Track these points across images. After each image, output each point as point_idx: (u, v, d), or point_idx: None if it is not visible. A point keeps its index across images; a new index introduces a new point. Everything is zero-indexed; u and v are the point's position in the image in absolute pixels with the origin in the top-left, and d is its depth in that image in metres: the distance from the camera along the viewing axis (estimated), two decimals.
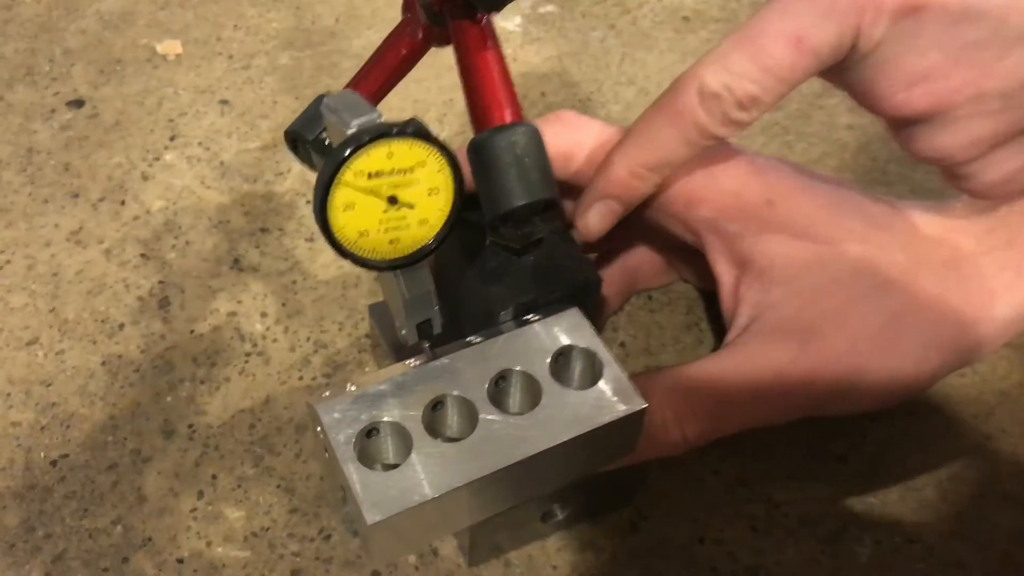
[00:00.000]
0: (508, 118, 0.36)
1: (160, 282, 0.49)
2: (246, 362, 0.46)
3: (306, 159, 0.38)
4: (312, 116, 0.38)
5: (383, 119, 0.31)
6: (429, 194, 0.32)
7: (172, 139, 0.56)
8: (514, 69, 0.59)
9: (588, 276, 0.38)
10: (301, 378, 0.45)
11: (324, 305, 0.48)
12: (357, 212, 0.31)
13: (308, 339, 0.46)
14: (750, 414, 0.38)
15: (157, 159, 0.55)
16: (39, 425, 0.43)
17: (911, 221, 0.39)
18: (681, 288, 0.49)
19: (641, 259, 0.48)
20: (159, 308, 0.48)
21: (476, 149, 0.36)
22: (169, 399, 0.44)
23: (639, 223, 0.46)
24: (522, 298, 0.37)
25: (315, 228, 0.50)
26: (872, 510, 0.41)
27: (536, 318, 0.36)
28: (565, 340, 0.35)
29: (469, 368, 0.34)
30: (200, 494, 0.41)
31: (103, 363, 0.46)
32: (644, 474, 0.41)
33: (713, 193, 0.40)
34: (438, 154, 0.31)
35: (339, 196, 0.30)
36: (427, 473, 0.31)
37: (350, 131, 0.30)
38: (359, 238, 0.31)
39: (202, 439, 0.43)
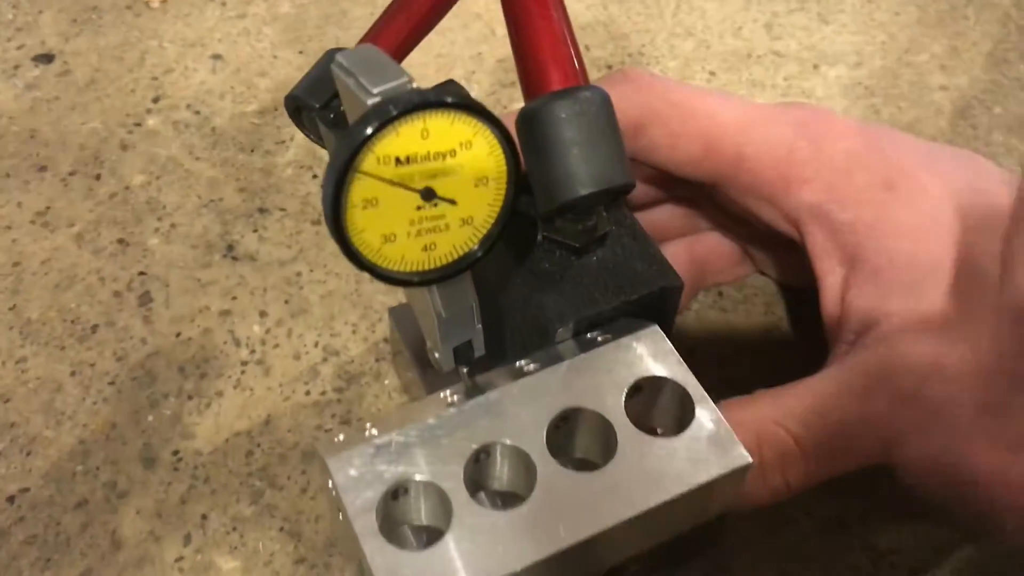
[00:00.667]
0: (571, 80, 0.28)
1: (140, 273, 0.41)
2: (242, 373, 0.38)
3: (312, 131, 0.30)
4: (319, 78, 0.30)
5: (413, 84, 0.23)
6: (475, 185, 0.24)
7: (156, 101, 0.48)
8: None
9: (668, 282, 0.30)
10: (308, 393, 0.38)
11: (334, 302, 0.40)
12: (382, 210, 0.23)
13: (316, 344, 0.39)
14: (869, 450, 0.30)
15: (138, 125, 0.47)
16: None
17: None
18: (758, 282, 0.41)
19: (711, 248, 0.40)
20: (139, 305, 0.40)
21: (529, 120, 0.28)
22: (150, 419, 0.37)
23: (712, 205, 0.38)
24: (584, 311, 0.29)
25: (320, 209, 0.43)
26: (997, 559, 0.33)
27: (603, 337, 0.29)
28: (645, 369, 0.28)
29: (522, 407, 0.27)
30: (187, 539, 0.34)
31: (72, 373, 0.38)
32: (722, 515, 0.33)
33: (820, 172, 0.32)
34: (489, 131, 0.23)
35: (358, 189, 0.22)
36: (470, 556, 0.24)
37: (372, 101, 0.22)
38: (383, 244, 0.24)
39: (190, 469, 0.36)
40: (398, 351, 0.37)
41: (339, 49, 0.30)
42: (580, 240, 0.30)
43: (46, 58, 0.49)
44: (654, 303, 0.30)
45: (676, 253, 0.39)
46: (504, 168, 0.24)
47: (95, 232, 0.42)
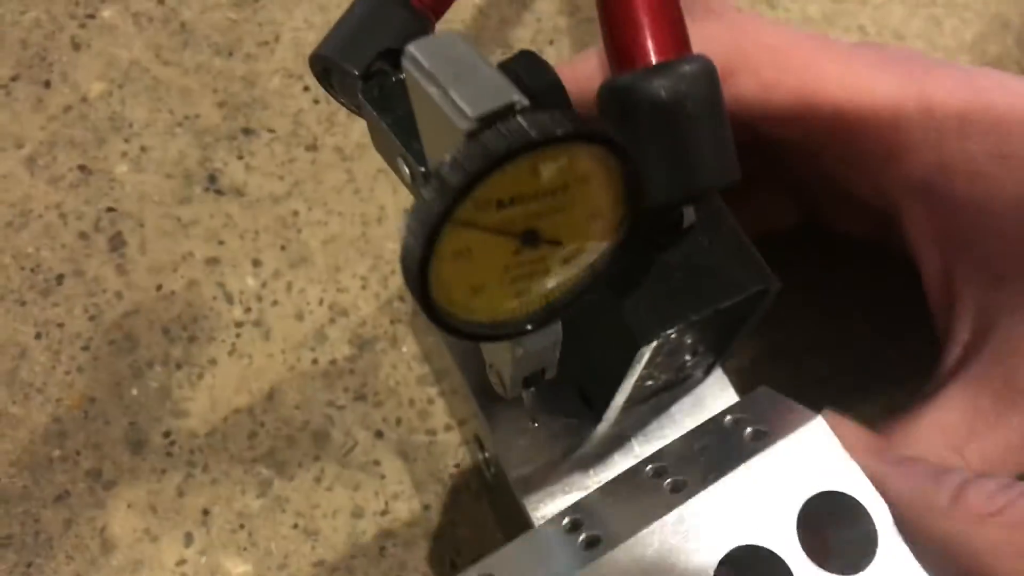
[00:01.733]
0: (672, 51, 0.23)
1: (109, 210, 0.35)
2: (237, 336, 0.33)
3: (348, 98, 0.25)
4: (356, 32, 0.24)
5: (524, 103, 0.17)
6: (587, 222, 0.19)
7: None
8: None
9: (764, 284, 0.26)
10: (315, 361, 0.33)
11: (339, 249, 0.35)
12: (475, 260, 0.18)
13: (321, 302, 0.34)
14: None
15: (91, 16, 0.39)
16: None
17: None
18: (814, 235, 0.37)
19: (764, 192, 0.36)
20: (110, 251, 0.34)
21: (616, 98, 0.23)
22: (135, 392, 0.32)
23: (792, 164, 0.34)
24: (671, 324, 0.25)
25: (316, 131, 0.37)
26: None
27: (750, 431, 0.24)
28: (814, 482, 0.23)
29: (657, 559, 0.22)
30: (189, 538, 0.30)
31: (38, 335, 0.33)
32: None
33: (928, 139, 0.28)
34: (615, 160, 0.18)
35: (450, 240, 0.17)
36: None
37: (470, 127, 0.17)
38: (471, 298, 0.19)
39: (185, 454, 0.31)
40: (418, 313, 0.32)
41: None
42: (664, 234, 0.25)
43: None
44: (746, 307, 0.26)
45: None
46: (624, 197, 0.19)
47: (49, 156, 0.36)
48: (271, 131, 0.37)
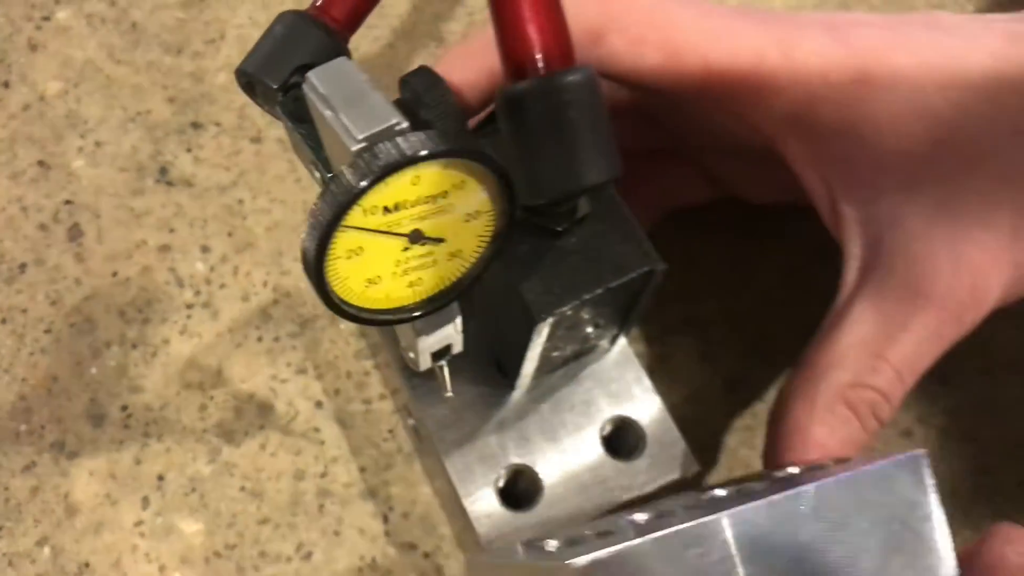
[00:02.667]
0: (558, 62, 0.26)
1: (67, 202, 0.38)
2: (188, 318, 0.36)
3: (268, 108, 0.27)
4: (275, 51, 0.26)
5: (403, 125, 0.20)
6: (466, 220, 0.22)
7: None
8: None
9: (650, 266, 0.29)
10: (260, 339, 0.36)
11: (281, 234, 0.38)
12: (366, 257, 0.21)
13: (265, 283, 0.37)
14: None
15: (47, 19, 0.42)
16: None
17: None
18: (726, 208, 0.40)
19: (674, 167, 0.38)
20: (69, 240, 0.37)
21: (509, 106, 0.26)
22: (94, 371, 0.35)
23: (676, 121, 0.36)
24: (567, 300, 0.28)
25: (261, 123, 0.40)
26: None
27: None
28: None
29: None
30: (145, 502, 0.33)
31: (3, 320, 0.36)
32: None
33: (793, 78, 0.30)
34: (485, 172, 0.21)
35: (343, 242, 0.21)
36: None
37: (358, 147, 0.20)
38: (366, 288, 0.22)
39: (141, 426, 0.34)
40: None
41: (294, 12, 0.27)
42: (560, 223, 0.28)
43: None
44: (635, 286, 0.29)
45: (639, 178, 0.38)
46: (497, 202, 0.22)
47: (10, 152, 0.39)
48: (218, 124, 0.40)
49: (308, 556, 0.33)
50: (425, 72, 0.26)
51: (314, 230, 0.20)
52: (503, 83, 0.26)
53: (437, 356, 0.27)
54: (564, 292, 0.28)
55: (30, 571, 0.32)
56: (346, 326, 0.36)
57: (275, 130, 0.40)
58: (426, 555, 0.33)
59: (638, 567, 0.21)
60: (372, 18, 0.41)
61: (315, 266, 0.20)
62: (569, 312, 0.28)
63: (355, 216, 0.20)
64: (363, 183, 0.19)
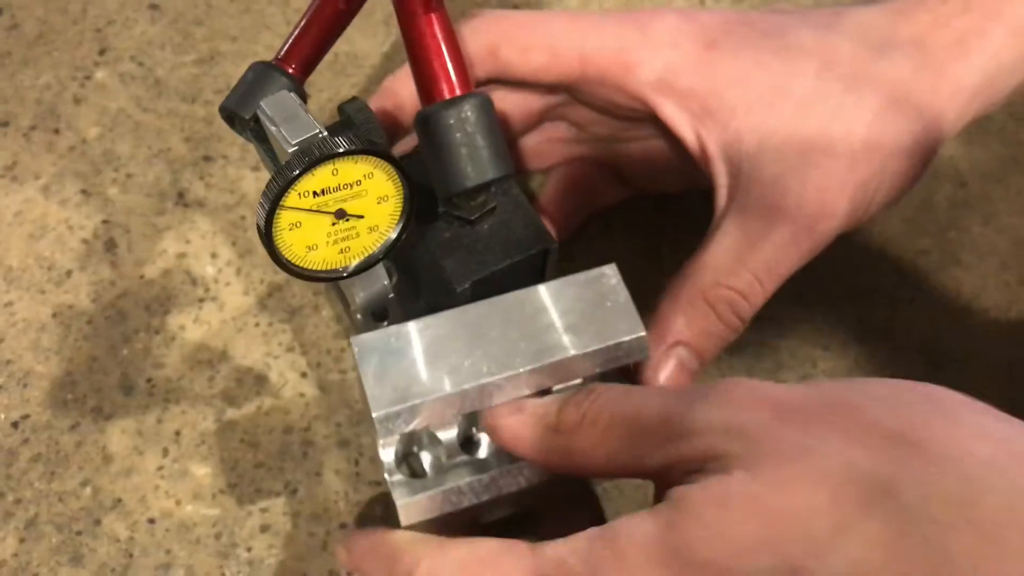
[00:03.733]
0: (457, 89, 0.34)
1: (104, 222, 0.47)
2: (200, 309, 0.45)
3: (243, 135, 0.36)
4: (247, 91, 0.35)
5: (323, 135, 0.29)
6: (378, 202, 0.31)
7: (102, 53, 0.52)
8: None
9: (545, 245, 0.37)
10: (257, 324, 0.45)
11: None
12: (304, 229, 0.30)
13: (262, 281, 0.46)
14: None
15: (88, 78, 0.52)
16: None
17: (858, 17, 0.39)
18: (641, 207, 0.48)
19: (588, 172, 0.47)
20: (106, 251, 0.47)
21: (424, 124, 0.34)
22: (125, 352, 0.44)
23: (581, 123, 0.44)
24: (479, 272, 0.36)
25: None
26: None
27: None
28: None
29: None
30: (165, 452, 0.42)
31: (54, 315, 0.45)
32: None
33: (651, 51, 0.39)
34: (387, 165, 0.30)
35: (284, 218, 0.29)
36: None
37: (291, 150, 0.29)
38: (307, 253, 0.31)
39: (162, 394, 0.43)
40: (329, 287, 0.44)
41: (262, 63, 0.36)
42: (472, 213, 0.37)
43: None
44: (535, 262, 0.37)
45: (557, 180, 0.46)
46: (401, 188, 0.31)
47: (60, 184, 0.48)
48: (225, 157, 0.49)
49: (294, 492, 0.41)
50: (356, 100, 0.34)
51: (262, 208, 0.29)
52: (420, 107, 0.35)
53: (376, 317, 0.36)
54: (478, 266, 0.36)
55: (75, 505, 0.41)
56: (326, 313, 0.45)
57: None
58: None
59: None
60: (350, 67, 0.51)
61: (265, 235, 0.29)
62: (482, 280, 0.37)
63: (292, 198, 0.29)
64: (295, 172, 0.28)
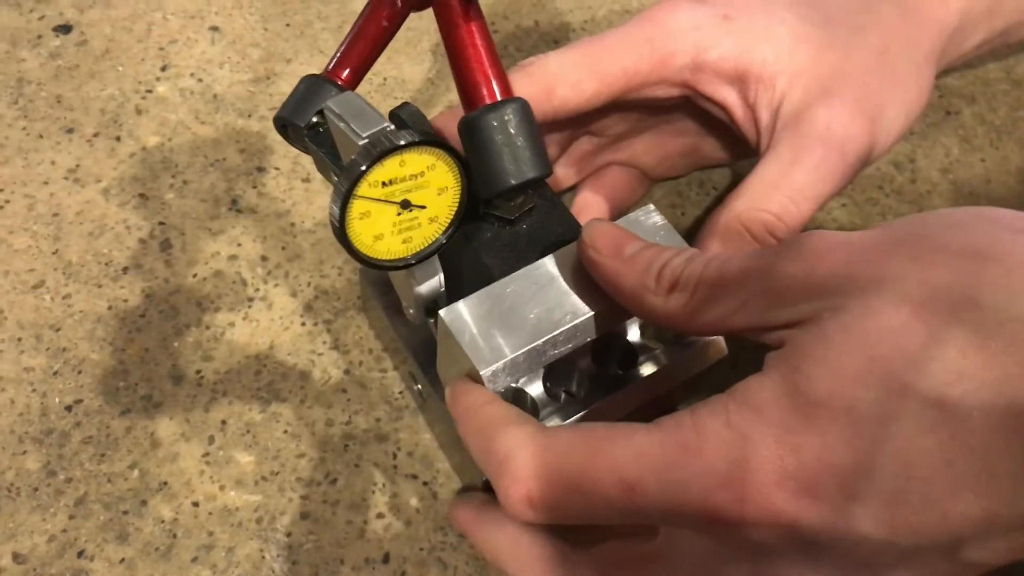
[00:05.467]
0: (498, 95, 0.37)
1: (160, 223, 0.50)
2: (249, 307, 0.47)
3: (297, 143, 0.39)
4: (301, 101, 0.38)
5: (391, 128, 0.32)
6: (439, 194, 0.33)
7: (164, 69, 0.55)
8: None
9: (576, 237, 0.39)
10: (303, 324, 0.47)
11: (323, 249, 0.49)
12: (372, 219, 0.32)
13: (309, 284, 0.48)
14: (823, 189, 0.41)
15: (150, 91, 0.54)
16: (52, 370, 0.45)
17: None
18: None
19: (612, 180, 0.50)
20: (161, 251, 0.49)
21: (467, 128, 0.36)
22: (176, 345, 0.46)
23: (598, 131, 0.48)
24: (516, 268, 0.38)
25: (310, 169, 0.52)
26: None
27: None
28: None
29: None
30: (211, 440, 0.44)
31: (109, 307, 0.47)
32: None
33: (675, 41, 0.42)
34: (447, 156, 0.32)
35: (356, 207, 0.31)
36: None
37: (362, 143, 0.31)
38: (374, 242, 0.33)
39: (210, 385, 0.45)
40: (368, 303, 0.46)
41: (313, 75, 0.38)
42: (512, 214, 0.39)
43: (65, 28, 0.56)
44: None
45: (588, 197, 0.49)
46: (459, 179, 0.33)
47: (119, 187, 0.51)
48: (277, 169, 0.52)
49: (334, 481, 0.43)
50: (407, 105, 0.37)
51: (337, 197, 0.31)
52: (463, 115, 0.37)
53: (429, 313, 0.38)
54: (518, 261, 0.39)
55: (124, 486, 0.42)
56: (367, 319, 0.47)
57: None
58: (425, 483, 0.43)
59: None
60: (397, 90, 0.54)
61: (340, 224, 0.31)
62: None
63: (363, 188, 0.31)
64: (368, 161, 0.30)
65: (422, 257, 0.34)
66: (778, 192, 0.39)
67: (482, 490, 0.40)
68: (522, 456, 0.30)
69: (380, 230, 0.33)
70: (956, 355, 0.25)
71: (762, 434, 0.27)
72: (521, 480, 0.30)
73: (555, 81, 0.41)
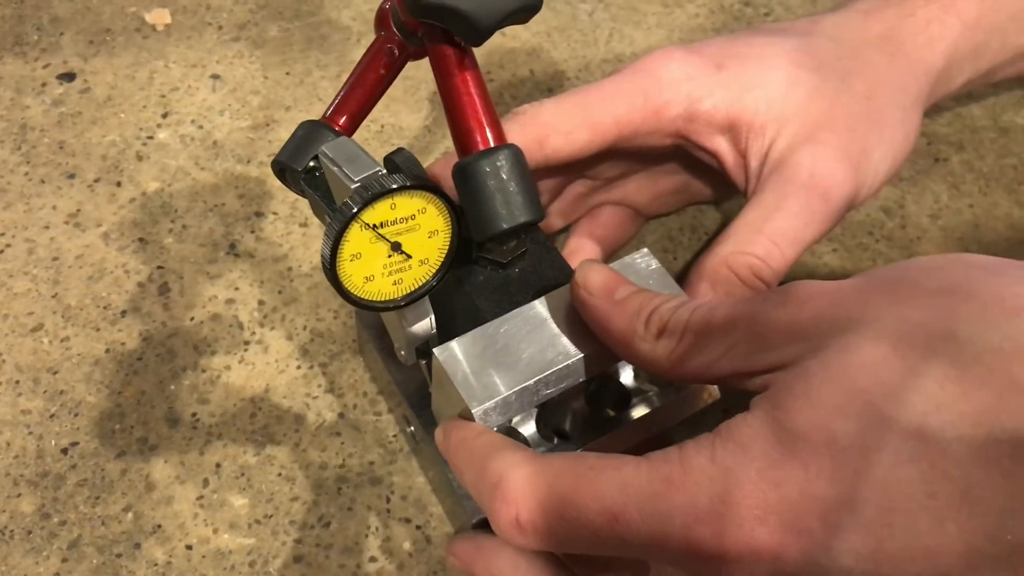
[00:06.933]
0: (491, 141, 0.37)
1: (159, 267, 0.50)
2: (245, 351, 0.48)
3: (294, 187, 0.39)
4: (298, 146, 0.38)
5: (383, 172, 0.32)
6: (430, 237, 0.34)
7: (165, 116, 0.56)
8: (504, 44, 0.60)
9: (567, 282, 0.40)
10: (299, 367, 0.47)
11: (319, 293, 0.50)
12: (363, 260, 0.33)
13: (304, 328, 0.49)
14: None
15: (151, 138, 0.55)
16: (48, 413, 0.46)
17: (832, 22, 0.46)
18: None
19: (605, 220, 0.51)
20: (159, 294, 0.49)
21: (461, 173, 0.37)
22: (172, 388, 0.47)
23: (592, 175, 0.49)
24: (508, 309, 0.39)
25: (308, 214, 0.52)
26: None
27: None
28: None
29: None
30: (205, 482, 0.44)
31: (107, 351, 0.48)
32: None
33: (669, 91, 0.43)
34: (438, 200, 0.33)
35: (347, 248, 0.32)
36: None
37: (354, 186, 0.32)
38: (365, 284, 0.33)
39: (205, 428, 0.45)
40: (364, 346, 0.46)
41: (311, 121, 0.39)
42: (505, 257, 0.39)
43: (69, 76, 0.57)
44: None
45: (580, 240, 0.50)
46: (450, 223, 0.34)
47: (119, 232, 0.52)
48: (275, 213, 0.53)
49: (327, 525, 0.43)
50: (401, 150, 0.38)
51: (328, 239, 0.31)
52: (457, 161, 0.38)
53: (420, 354, 0.38)
54: (510, 304, 0.39)
55: (118, 528, 0.42)
56: (363, 362, 0.48)
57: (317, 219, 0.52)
58: (418, 527, 0.43)
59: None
60: (394, 137, 0.55)
61: (331, 265, 0.32)
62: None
63: (354, 230, 0.32)
64: (359, 205, 0.31)
65: (412, 299, 0.35)
66: (762, 236, 0.40)
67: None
68: (515, 477, 0.30)
69: (371, 271, 0.33)
70: (934, 387, 0.25)
71: (745, 468, 0.27)
72: (511, 501, 0.30)
73: (548, 130, 0.42)
